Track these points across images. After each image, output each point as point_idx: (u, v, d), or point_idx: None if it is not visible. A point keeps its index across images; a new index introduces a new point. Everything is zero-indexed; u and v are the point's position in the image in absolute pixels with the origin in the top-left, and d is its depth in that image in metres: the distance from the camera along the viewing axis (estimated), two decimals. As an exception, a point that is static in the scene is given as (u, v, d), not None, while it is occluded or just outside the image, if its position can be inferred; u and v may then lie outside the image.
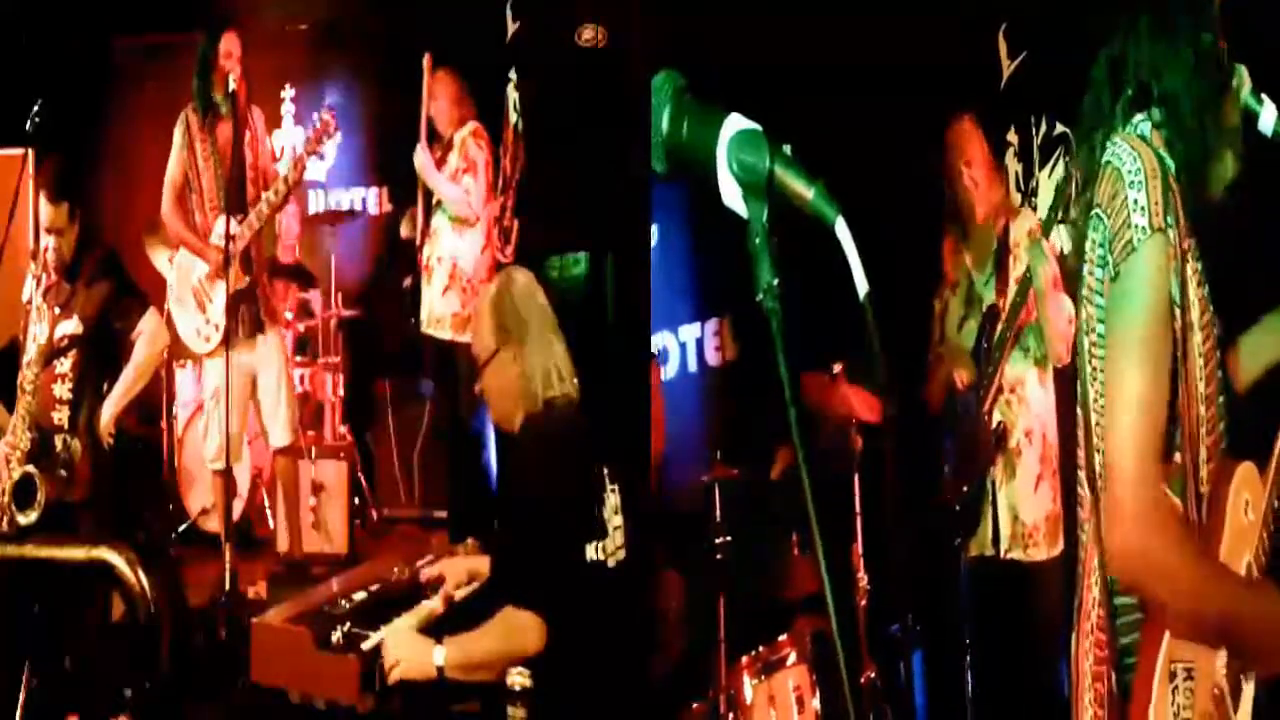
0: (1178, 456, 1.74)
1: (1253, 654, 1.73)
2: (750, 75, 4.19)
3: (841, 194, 1.35)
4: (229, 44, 4.72)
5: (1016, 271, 3.64)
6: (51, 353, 4.16)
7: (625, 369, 4.45)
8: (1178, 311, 1.68)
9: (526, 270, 2.95)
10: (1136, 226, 1.67)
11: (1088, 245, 1.75)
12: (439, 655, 2.55)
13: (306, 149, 4.74)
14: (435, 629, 2.76)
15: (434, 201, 5.31)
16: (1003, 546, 3.69)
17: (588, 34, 5.06)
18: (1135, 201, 1.68)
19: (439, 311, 5.27)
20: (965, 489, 3.70)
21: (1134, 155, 1.71)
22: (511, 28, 5.45)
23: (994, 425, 3.69)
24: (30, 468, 4.01)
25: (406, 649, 2.60)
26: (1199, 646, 1.72)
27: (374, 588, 2.99)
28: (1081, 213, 1.80)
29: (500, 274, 2.98)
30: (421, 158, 5.22)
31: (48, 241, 4.18)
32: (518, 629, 2.55)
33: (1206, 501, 1.76)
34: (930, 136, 3.88)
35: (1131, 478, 1.62)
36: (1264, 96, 1.83)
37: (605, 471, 2.78)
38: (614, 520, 2.76)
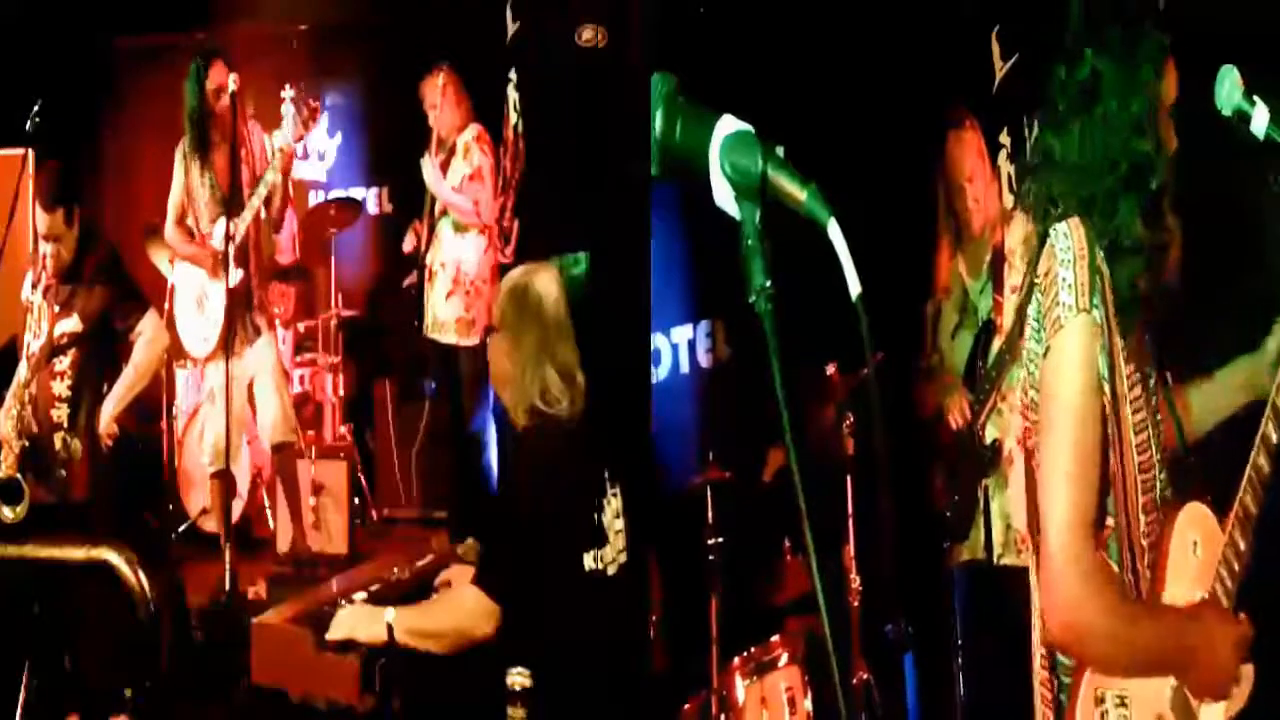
0: (1110, 521, 1.78)
1: (1196, 683, 1.77)
2: (744, 76, 4.19)
3: (834, 196, 1.35)
4: (218, 76, 4.71)
5: (1012, 280, 3.62)
6: (51, 351, 4.17)
7: (625, 371, 4.45)
8: (1106, 387, 1.71)
9: (556, 279, 2.86)
10: (1064, 305, 1.71)
11: (1030, 313, 1.80)
12: (389, 614, 2.61)
13: (294, 135, 4.74)
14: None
15: (438, 208, 5.32)
16: (995, 552, 3.68)
17: (588, 34, 5.05)
18: (1064, 280, 1.72)
19: (442, 316, 5.28)
20: (956, 498, 3.70)
21: (1067, 234, 1.75)
22: (511, 28, 5.44)
23: (988, 442, 3.68)
24: (15, 473, 4.00)
25: (356, 615, 2.66)
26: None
27: (374, 588, 2.99)
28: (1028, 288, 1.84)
29: (532, 268, 2.92)
30: (430, 173, 5.24)
31: (46, 248, 4.18)
32: (471, 610, 2.59)
33: (1149, 552, 1.80)
34: (923, 138, 3.88)
35: (1061, 556, 1.66)
36: (1256, 98, 1.83)
37: (606, 474, 2.78)
38: (615, 525, 2.76)
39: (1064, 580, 1.65)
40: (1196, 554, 1.81)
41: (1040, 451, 1.74)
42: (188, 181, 4.81)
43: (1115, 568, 1.78)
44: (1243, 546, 1.81)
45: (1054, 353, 1.72)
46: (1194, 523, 1.82)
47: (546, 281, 2.83)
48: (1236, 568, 1.81)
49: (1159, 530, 1.80)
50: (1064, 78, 1.83)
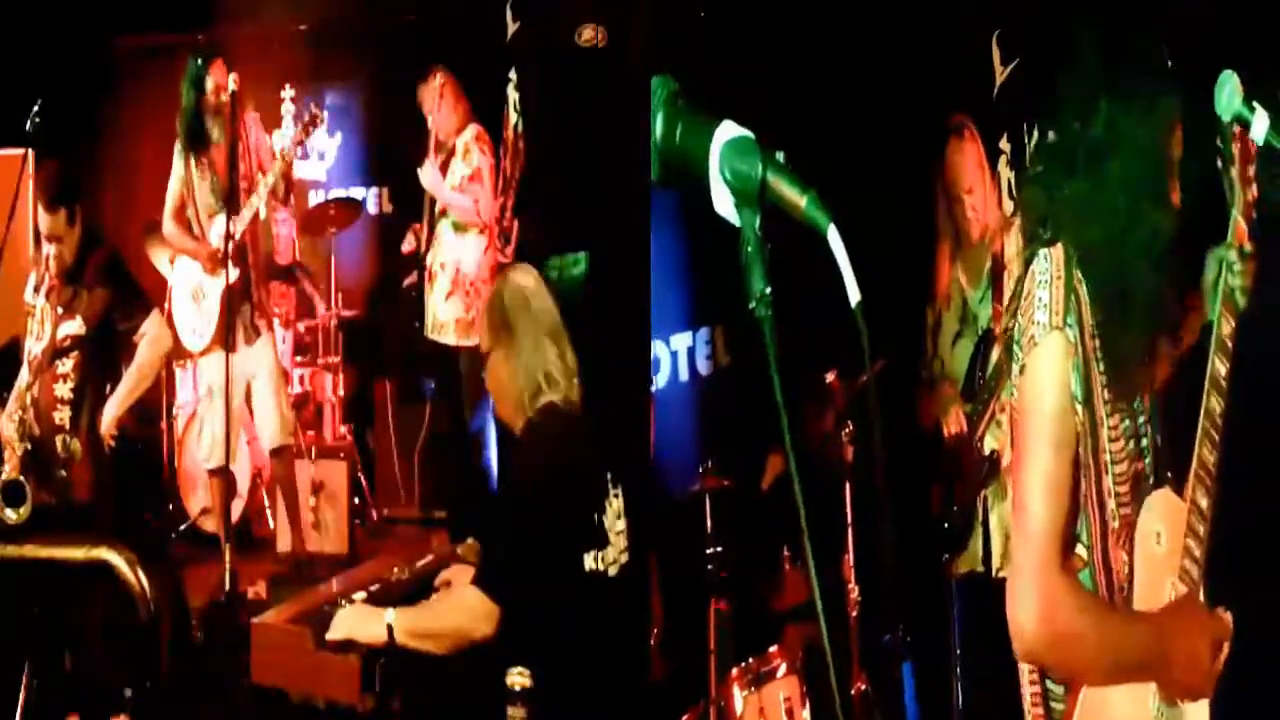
0: (1083, 551, 1.77)
1: (1175, 683, 1.75)
2: (745, 82, 4.19)
3: (834, 202, 1.35)
4: (217, 76, 4.71)
5: (1011, 287, 3.61)
6: (54, 354, 4.17)
7: (625, 372, 4.45)
8: (1079, 407, 1.71)
9: (530, 270, 2.92)
10: (1038, 324, 1.72)
11: (1013, 336, 1.80)
12: (389, 614, 2.61)
13: (294, 140, 4.74)
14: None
15: (438, 209, 5.33)
16: (994, 564, 3.67)
17: (588, 34, 5.05)
18: (1040, 300, 1.73)
19: (442, 317, 5.28)
20: (955, 509, 3.70)
21: (1046, 257, 1.76)
22: (511, 28, 5.44)
23: (986, 453, 3.68)
24: (18, 475, 4.00)
25: (356, 615, 2.67)
26: (1122, 698, 1.74)
27: (374, 588, 3.00)
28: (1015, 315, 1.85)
29: (501, 273, 2.99)
30: (430, 175, 5.24)
31: (48, 249, 4.18)
32: (471, 610, 2.59)
33: (1128, 579, 1.78)
34: (923, 143, 3.87)
35: (1033, 566, 1.66)
36: (1256, 104, 1.83)
37: (608, 476, 2.78)
38: (616, 526, 2.77)
39: (1036, 589, 1.64)
40: (1161, 544, 1.79)
41: (1015, 465, 1.74)
42: (186, 175, 4.81)
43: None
44: (1204, 505, 1.79)
45: (1028, 370, 1.72)
46: (1156, 513, 1.79)
47: (521, 276, 2.88)
48: (1201, 532, 1.79)
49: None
50: (1078, 128, 1.80)
